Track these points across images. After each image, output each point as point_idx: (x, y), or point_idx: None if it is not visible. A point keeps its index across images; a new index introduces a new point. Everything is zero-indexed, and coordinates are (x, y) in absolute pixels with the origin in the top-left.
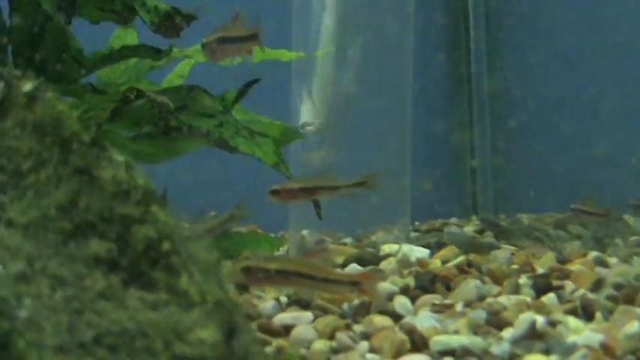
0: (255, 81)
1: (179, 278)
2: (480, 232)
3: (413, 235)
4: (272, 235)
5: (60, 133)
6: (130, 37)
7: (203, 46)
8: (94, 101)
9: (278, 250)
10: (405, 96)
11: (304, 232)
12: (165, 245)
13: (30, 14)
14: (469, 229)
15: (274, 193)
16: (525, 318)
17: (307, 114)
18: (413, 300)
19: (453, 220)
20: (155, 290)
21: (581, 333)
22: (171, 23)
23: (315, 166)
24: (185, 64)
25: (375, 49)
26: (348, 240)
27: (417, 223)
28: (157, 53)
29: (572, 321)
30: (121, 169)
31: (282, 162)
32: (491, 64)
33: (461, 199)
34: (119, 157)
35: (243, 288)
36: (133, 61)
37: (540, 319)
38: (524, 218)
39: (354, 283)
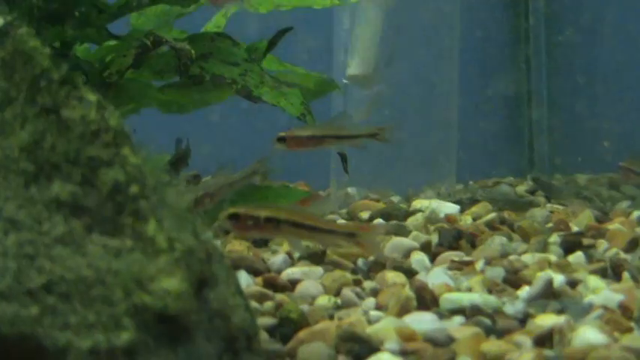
0: (287, 30)
1: (146, 224)
2: (532, 191)
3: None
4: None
5: (29, 70)
6: None
7: None
8: (113, 50)
9: None
10: (452, 50)
11: (350, 189)
12: (134, 189)
13: None
14: (522, 188)
15: (281, 140)
16: (542, 277)
17: (354, 67)
18: (434, 257)
19: (509, 179)
20: (120, 236)
21: (600, 292)
22: None
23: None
24: (221, 14)
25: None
26: (396, 198)
27: (471, 182)
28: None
29: (593, 280)
30: (91, 109)
31: (309, 113)
32: (549, 18)
33: (517, 159)
34: (91, 97)
35: (260, 242)
36: (163, 7)
37: (559, 278)
38: (581, 178)
39: (350, 235)
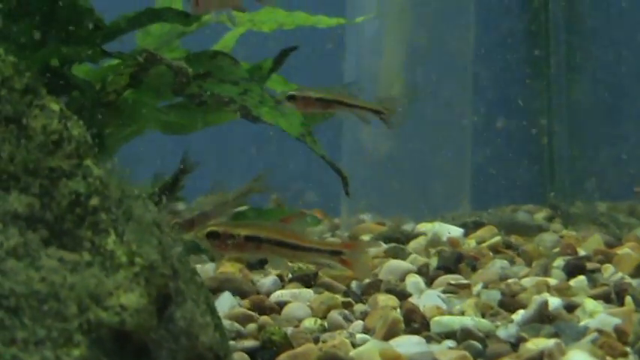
0: (292, 49)
1: (106, 238)
2: (550, 218)
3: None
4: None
5: None
6: (175, 3)
7: None
8: (112, 67)
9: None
10: (467, 75)
11: (363, 215)
12: (94, 201)
13: None
14: (540, 215)
15: (291, 98)
16: (537, 300)
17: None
18: (432, 280)
19: (528, 206)
20: (78, 250)
21: (596, 316)
22: None
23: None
24: (231, 34)
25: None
26: (410, 225)
27: (489, 210)
28: (185, 17)
29: (591, 304)
30: (54, 118)
31: (309, 134)
32: (570, 49)
33: (538, 185)
34: (54, 106)
35: (256, 265)
36: (169, 27)
37: (554, 301)
38: (601, 206)
39: (334, 252)
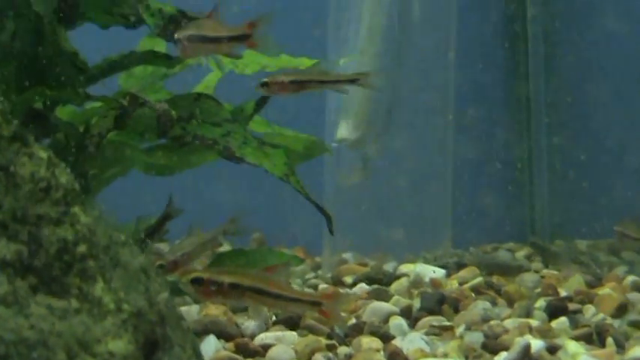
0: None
1: (94, 285)
2: (529, 256)
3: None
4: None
5: None
6: (157, 45)
7: (177, 40)
8: (96, 109)
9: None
10: (448, 120)
11: (345, 255)
12: (82, 248)
13: (29, 17)
14: (521, 253)
15: (264, 85)
16: (519, 342)
17: (344, 128)
18: (415, 321)
19: (509, 244)
20: (66, 297)
21: (579, 358)
22: (176, 27)
23: (351, 186)
24: (213, 75)
25: (416, 62)
26: (392, 264)
27: (471, 248)
28: (168, 60)
29: (573, 345)
30: (41, 165)
31: (293, 174)
32: (548, 83)
33: (519, 223)
34: (42, 153)
35: (239, 307)
36: (152, 69)
37: (538, 343)
38: (581, 244)
39: (314, 303)
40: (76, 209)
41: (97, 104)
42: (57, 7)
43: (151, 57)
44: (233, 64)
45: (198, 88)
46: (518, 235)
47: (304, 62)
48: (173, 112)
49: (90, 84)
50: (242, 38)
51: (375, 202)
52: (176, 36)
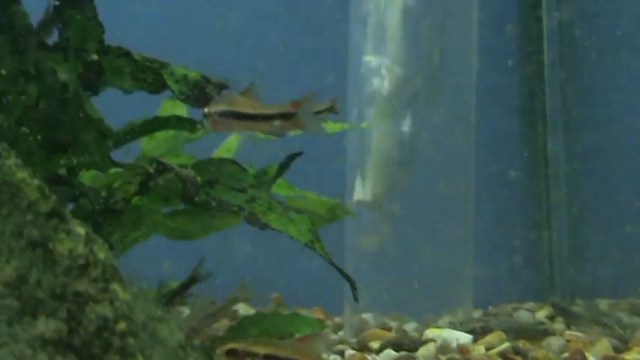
0: (298, 154)
1: None
2: (552, 317)
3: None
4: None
5: (16, 203)
6: (178, 108)
7: (206, 114)
8: (119, 174)
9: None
10: (469, 180)
11: (365, 315)
12: (121, 326)
13: (52, 83)
14: (542, 313)
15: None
16: None
17: (361, 188)
18: None
19: (529, 304)
20: None
21: None
22: (200, 92)
23: (370, 249)
24: (234, 137)
25: (434, 120)
26: (412, 325)
27: (490, 307)
28: (191, 124)
29: None
30: (79, 242)
31: (318, 240)
32: (569, 142)
33: (539, 281)
34: (80, 230)
35: None
36: (173, 132)
37: None
38: (602, 303)
39: None
40: (114, 286)
41: (119, 168)
42: (81, 74)
43: (175, 122)
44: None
45: (220, 152)
46: (538, 294)
47: (327, 126)
48: (198, 178)
49: (113, 149)
50: (286, 117)
51: (394, 260)
52: (206, 110)
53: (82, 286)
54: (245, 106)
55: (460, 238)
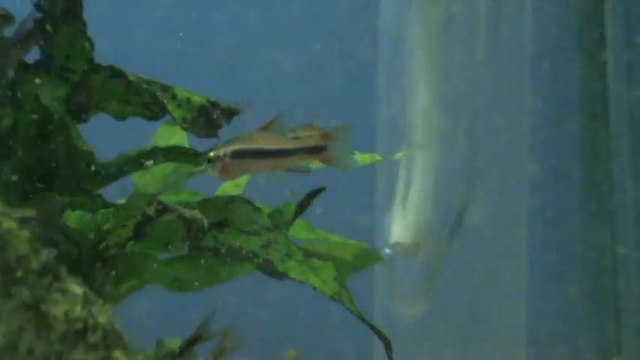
0: (319, 191)
1: None
2: None
3: None
4: None
5: (4, 257)
6: (177, 135)
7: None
8: (112, 216)
9: None
10: (520, 221)
11: None
12: None
13: (33, 108)
14: None
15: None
16: None
17: (399, 232)
18: None
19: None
20: None
21: None
22: (207, 120)
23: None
24: None
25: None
26: None
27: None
28: (195, 156)
29: None
30: (76, 303)
31: (346, 290)
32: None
33: (602, 334)
34: (77, 289)
35: None
36: (172, 165)
37: None
38: None
39: None
40: (117, 354)
41: (110, 208)
42: (67, 98)
43: (176, 153)
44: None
45: (227, 187)
46: (603, 345)
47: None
48: (205, 221)
49: (104, 185)
50: (314, 151)
51: (436, 314)
52: (213, 154)
53: (80, 354)
54: (261, 141)
55: (513, 286)
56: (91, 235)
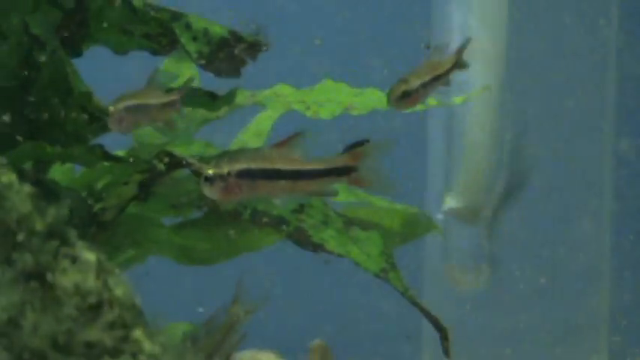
0: (362, 142)
1: None
2: None
3: None
4: None
5: (3, 218)
6: (186, 73)
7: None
8: (109, 171)
9: None
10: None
11: None
12: None
13: (21, 43)
14: None
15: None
16: None
17: (454, 197)
18: None
19: None
20: None
21: None
22: (228, 55)
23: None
24: (264, 116)
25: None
26: None
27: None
28: (212, 99)
29: None
30: (89, 273)
31: (393, 268)
32: None
33: None
34: (89, 256)
35: None
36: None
37: None
38: None
39: None
40: (137, 334)
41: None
42: (60, 26)
43: (188, 95)
44: (302, 104)
45: (247, 136)
46: None
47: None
48: None
49: (101, 134)
50: (342, 173)
51: (500, 304)
52: (211, 173)
53: (94, 334)
54: (277, 160)
55: (593, 275)
56: (84, 194)
